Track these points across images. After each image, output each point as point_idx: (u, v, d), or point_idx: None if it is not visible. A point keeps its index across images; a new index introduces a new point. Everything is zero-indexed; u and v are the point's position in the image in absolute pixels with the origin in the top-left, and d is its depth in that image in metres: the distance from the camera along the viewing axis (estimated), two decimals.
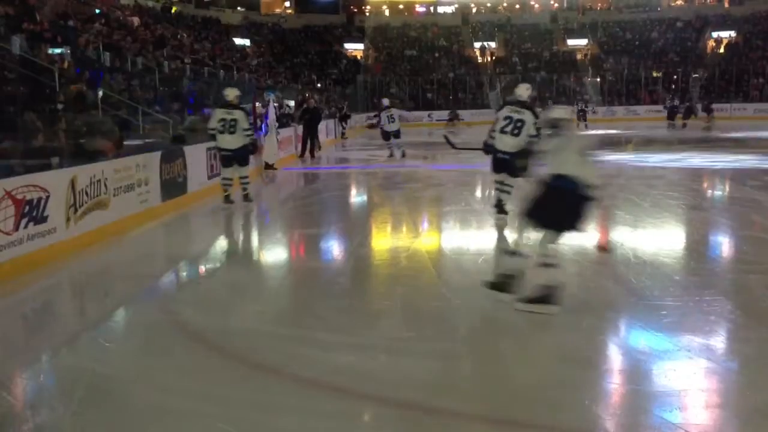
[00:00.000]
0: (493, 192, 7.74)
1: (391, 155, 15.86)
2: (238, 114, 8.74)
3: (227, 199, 8.96)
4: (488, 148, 7.35)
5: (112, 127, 8.82)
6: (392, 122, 15.71)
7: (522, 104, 7.19)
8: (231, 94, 8.98)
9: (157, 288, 5.58)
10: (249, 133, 8.91)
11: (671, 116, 26.90)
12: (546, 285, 4.30)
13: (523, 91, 7.34)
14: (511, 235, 6.74)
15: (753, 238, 6.90)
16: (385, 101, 16.73)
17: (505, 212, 7.37)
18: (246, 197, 9.17)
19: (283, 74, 32.38)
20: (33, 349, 4.14)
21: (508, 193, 7.37)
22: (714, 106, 27.28)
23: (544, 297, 4.29)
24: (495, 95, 35.64)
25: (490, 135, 7.33)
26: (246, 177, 9.14)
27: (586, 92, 35.66)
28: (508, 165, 7.06)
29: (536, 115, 6.94)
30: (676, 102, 27.45)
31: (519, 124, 7.01)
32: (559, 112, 4.78)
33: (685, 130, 25.18)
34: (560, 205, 4.30)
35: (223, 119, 8.70)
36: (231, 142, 8.72)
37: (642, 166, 13.21)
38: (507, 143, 7.04)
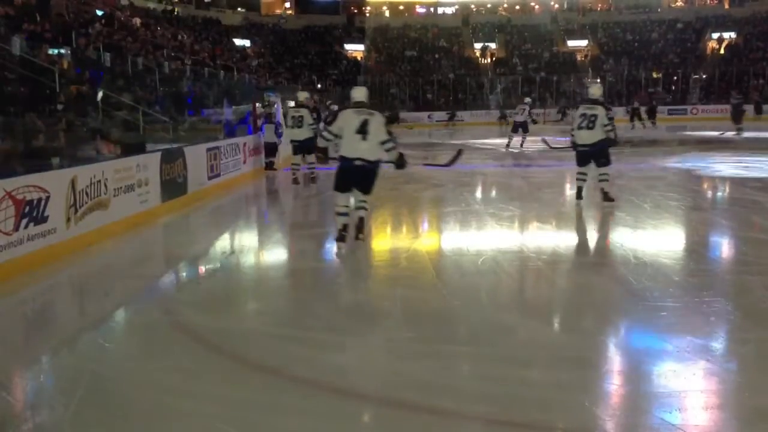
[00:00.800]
0: (577, 184, 8.49)
1: None
2: (303, 111, 10.86)
3: (295, 181, 11.13)
4: (574, 145, 8.39)
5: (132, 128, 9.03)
6: None
7: (594, 101, 8.26)
8: (301, 96, 11.50)
9: (157, 288, 5.58)
10: (313, 126, 10.78)
11: (636, 117, 27.67)
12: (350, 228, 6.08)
13: (596, 90, 8.47)
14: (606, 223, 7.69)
15: (753, 239, 6.90)
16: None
17: (611, 199, 8.28)
18: (313, 180, 11.23)
19: (284, 75, 32.35)
20: (33, 349, 4.14)
21: (606, 180, 8.31)
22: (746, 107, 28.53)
23: (343, 236, 6.15)
24: (495, 96, 35.63)
25: (571, 133, 8.45)
26: (313, 163, 10.94)
27: (587, 93, 35.67)
28: (591, 157, 8.18)
29: (608, 109, 8.20)
30: (636, 104, 28.34)
31: (593, 119, 8.04)
32: (360, 92, 6.21)
33: (686, 132, 25.26)
34: (349, 177, 6.04)
35: (293, 116, 10.86)
36: (299, 134, 10.77)
37: (642, 167, 13.20)
38: (583, 137, 8.15)
